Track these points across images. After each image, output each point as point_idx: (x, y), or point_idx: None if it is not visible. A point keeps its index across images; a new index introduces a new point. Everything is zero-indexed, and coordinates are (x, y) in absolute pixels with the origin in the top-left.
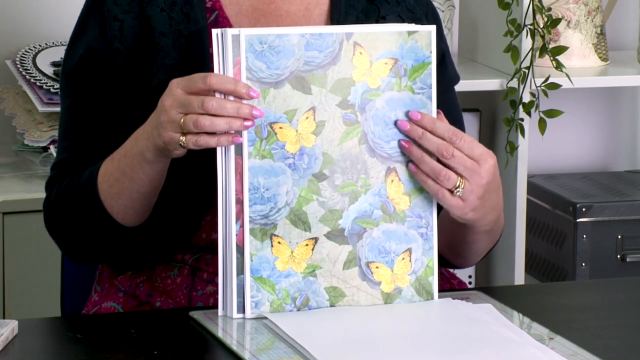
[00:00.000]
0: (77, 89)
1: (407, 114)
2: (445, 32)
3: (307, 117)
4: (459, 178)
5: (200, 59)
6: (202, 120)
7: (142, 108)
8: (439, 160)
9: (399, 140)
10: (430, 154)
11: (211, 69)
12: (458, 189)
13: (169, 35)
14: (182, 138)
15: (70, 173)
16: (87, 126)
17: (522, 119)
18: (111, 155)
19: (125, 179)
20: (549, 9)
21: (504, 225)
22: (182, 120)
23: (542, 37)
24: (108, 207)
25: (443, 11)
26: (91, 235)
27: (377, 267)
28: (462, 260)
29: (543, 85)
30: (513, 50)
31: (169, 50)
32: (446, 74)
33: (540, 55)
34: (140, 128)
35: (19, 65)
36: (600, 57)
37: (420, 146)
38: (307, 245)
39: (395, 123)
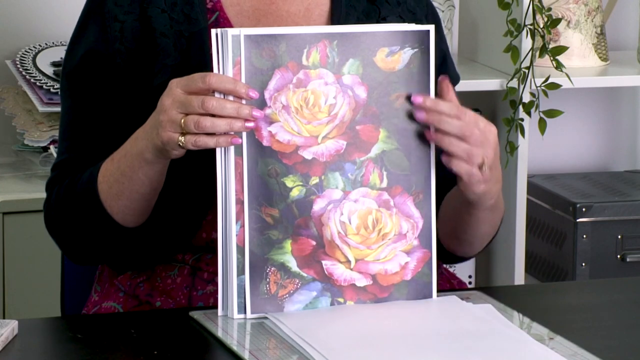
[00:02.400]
0: (77, 89)
1: (408, 99)
2: (445, 32)
3: None
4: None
5: (200, 60)
6: (203, 121)
7: (142, 109)
8: None
9: (416, 130)
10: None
11: (212, 70)
12: (484, 165)
13: (170, 36)
14: (181, 138)
15: (70, 174)
16: (87, 127)
17: (522, 119)
18: (111, 155)
19: (124, 180)
20: (549, 9)
21: (504, 209)
22: (182, 120)
23: (542, 37)
24: (108, 207)
25: (443, 11)
26: (91, 236)
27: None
28: (466, 247)
29: (543, 85)
30: (513, 50)
31: (170, 51)
32: (447, 74)
33: (540, 55)
34: (140, 128)
35: (19, 65)
36: (600, 57)
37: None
38: None
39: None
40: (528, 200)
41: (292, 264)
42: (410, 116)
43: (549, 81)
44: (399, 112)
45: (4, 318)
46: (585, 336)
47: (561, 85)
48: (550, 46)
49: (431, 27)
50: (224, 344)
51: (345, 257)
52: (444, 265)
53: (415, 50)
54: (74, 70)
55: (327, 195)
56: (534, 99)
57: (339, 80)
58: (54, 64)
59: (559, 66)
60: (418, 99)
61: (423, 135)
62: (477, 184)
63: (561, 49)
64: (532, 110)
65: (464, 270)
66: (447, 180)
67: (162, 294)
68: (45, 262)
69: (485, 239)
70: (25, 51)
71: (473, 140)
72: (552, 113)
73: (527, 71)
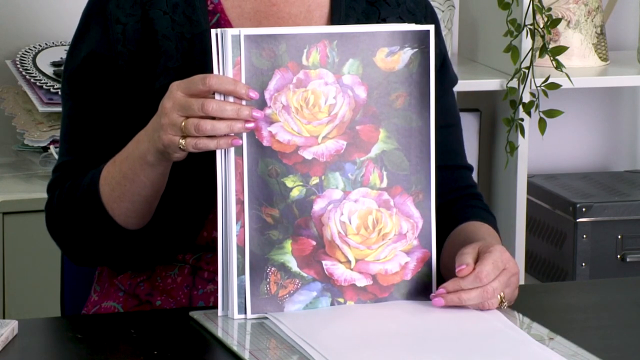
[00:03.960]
0: (79, 91)
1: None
2: (445, 32)
3: None
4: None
5: (202, 62)
6: (203, 124)
7: (144, 111)
8: None
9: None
10: None
11: (212, 71)
12: (503, 303)
13: (172, 38)
14: (182, 141)
15: (72, 176)
16: (89, 129)
17: (522, 119)
18: (113, 158)
19: (126, 182)
20: (549, 9)
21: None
22: (183, 123)
23: (542, 37)
24: (110, 210)
25: (443, 11)
26: (93, 238)
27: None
28: None
29: (543, 85)
30: (513, 50)
31: (172, 53)
32: (447, 77)
33: (540, 55)
34: (142, 131)
35: (19, 65)
36: (600, 57)
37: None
38: None
39: None
40: (528, 200)
41: (293, 264)
42: (410, 116)
43: (549, 81)
44: (399, 112)
45: (4, 318)
46: (585, 336)
47: (561, 85)
48: (550, 46)
49: (431, 27)
50: (224, 344)
51: (346, 257)
52: None
53: (415, 50)
54: (76, 72)
55: (327, 195)
56: (534, 99)
57: (339, 81)
58: (54, 64)
59: (559, 66)
60: (440, 302)
61: (423, 135)
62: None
63: (561, 49)
64: (532, 110)
65: None
66: (447, 180)
67: (162, 293)
68: (45, 262)
69: None
70: (25, 51)
71: (496, 292)
72: (552, 113)
73: (527, 71)
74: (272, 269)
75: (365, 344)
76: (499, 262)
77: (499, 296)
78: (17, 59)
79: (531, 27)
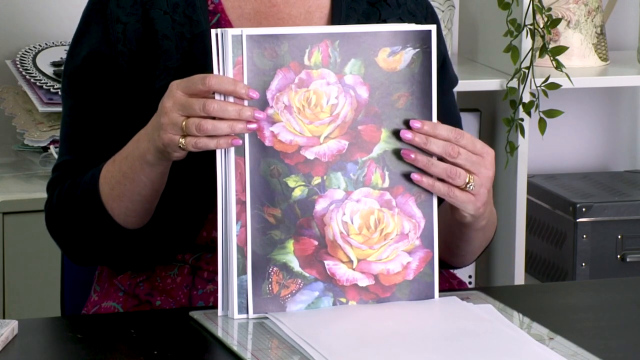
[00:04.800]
0: (79, 91)
1: (406, 123)
2: (445, 32)
3: None
4: (468, 174)
5: (202, 62)
6: (204, 124)
7: (144, 110)
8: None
9: (401, 151)
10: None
11: (212, 71)
12: (470, 184)
13: (172, 37)
14: (182, 140)
15: (72, 175)
16: (89, 128)
17: (522, 119)
18: (113, 157)
19: (126, 181)
20: (549, 9)
21: (497, 223)
22: (183, 123)
23: (542, 37)
24: (109, 209)
25: (443, 11)
26: (93, 237)
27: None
28: (459, 260)
29: (543, 85)
30: (513, 50)
31: (172, 52)
32: (447, 77)
33: (540, 55)
34: (142, 130)
35: (19, 65)
36: (600, 57)
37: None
38: None
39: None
40: (528, 200)
41: (295, 264)
42: (412, 116)
43: (549, 81)
44: (401, 112)
45: (4, 318)
46: (585, 336)
47: (561, 85)
48: (550, 46)
49: (433, 27)
50: (224, 344)
51: (348, 257)
52: None
53: (417, 50)
54: (76, 72)
55: (329, 195)
56: (534, 99)
57: (340, 80)
58: (54, 64)
59: (559, 66)
60: (416, 125)
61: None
62: (464, 204)
63: (561, 49)
64: (532, 110)
65: (464, 270)
66: None
67: (162, 293)
68: (45, 262)
69: (477, 252)
70: (25, 51)
71: (461, 159)
72: (552, 113)
73: (527, 71)
74: (274, 268)
75: (366, 344)
76: (476, 145)
77: (467, 176)
78: (17, 59)
79: (531, 27)
